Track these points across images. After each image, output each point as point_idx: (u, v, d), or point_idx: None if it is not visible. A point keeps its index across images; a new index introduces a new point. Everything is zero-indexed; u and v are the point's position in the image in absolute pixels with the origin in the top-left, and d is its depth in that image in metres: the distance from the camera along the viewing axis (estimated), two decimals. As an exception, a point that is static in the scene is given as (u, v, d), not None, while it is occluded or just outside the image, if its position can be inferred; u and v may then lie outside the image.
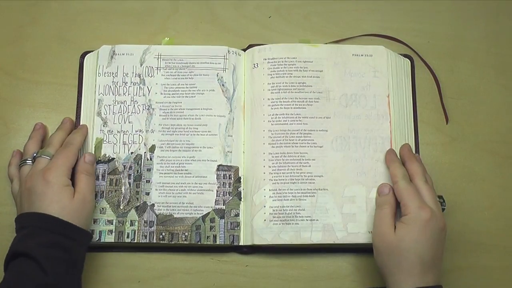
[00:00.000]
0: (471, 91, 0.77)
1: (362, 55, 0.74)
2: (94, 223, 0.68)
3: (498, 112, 0.76)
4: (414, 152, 0.73)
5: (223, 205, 0.70)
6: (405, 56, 0.77)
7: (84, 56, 0.75)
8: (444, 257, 0.71)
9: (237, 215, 0.70)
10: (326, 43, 0.76)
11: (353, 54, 0.74)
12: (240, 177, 0.71)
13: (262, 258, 0.71)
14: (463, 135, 0.76)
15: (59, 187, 0.63)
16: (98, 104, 0.72)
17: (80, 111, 0.73)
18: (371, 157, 0.71)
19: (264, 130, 0.71)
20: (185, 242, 0.68)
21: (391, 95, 0.73)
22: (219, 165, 0.70)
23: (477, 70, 0.78)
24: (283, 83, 0.72)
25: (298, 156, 0.70)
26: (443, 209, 0.66)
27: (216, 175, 0.70)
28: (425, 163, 0.74)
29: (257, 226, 0.68)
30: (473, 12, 0.80)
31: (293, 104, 0.71)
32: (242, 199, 0.70)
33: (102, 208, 0.69)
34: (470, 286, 0.71)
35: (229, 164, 0.71)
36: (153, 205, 0.69)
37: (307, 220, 0.68)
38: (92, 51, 0.74)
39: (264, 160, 0.70)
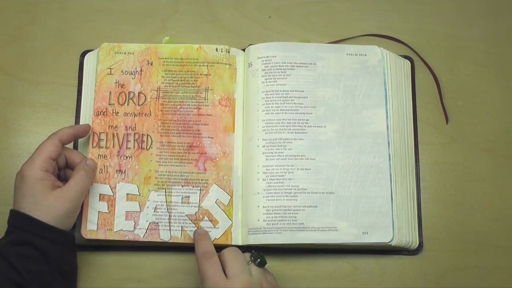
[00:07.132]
0: (471, 91, 0.77)
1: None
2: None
3: (498, 112, 0.76)
4: (414, 153, 0.74)
5: (223, 204, 0.70)
6: (405, 57, 0.77)
7: (84, 56, 0.75)
8: (444, 257, 0.71)
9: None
10: (325, 43, 0.76)
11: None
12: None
13: (262, 258, 0.71)
14: (463, 135, 0.75)
15: (31, 181, 0.60)
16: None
17: (80, 111, 0.73)
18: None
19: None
20: (184, 241, 0.68)
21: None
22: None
23: (477, 70, 0.78)
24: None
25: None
26: (259, 265, 0.62)
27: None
28: (425, 163, 0.74)
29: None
30: (473, 12, 0.80)
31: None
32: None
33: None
34: (470, 286, 0.71)
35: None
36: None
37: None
38: (92, 50, 0.74)
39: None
